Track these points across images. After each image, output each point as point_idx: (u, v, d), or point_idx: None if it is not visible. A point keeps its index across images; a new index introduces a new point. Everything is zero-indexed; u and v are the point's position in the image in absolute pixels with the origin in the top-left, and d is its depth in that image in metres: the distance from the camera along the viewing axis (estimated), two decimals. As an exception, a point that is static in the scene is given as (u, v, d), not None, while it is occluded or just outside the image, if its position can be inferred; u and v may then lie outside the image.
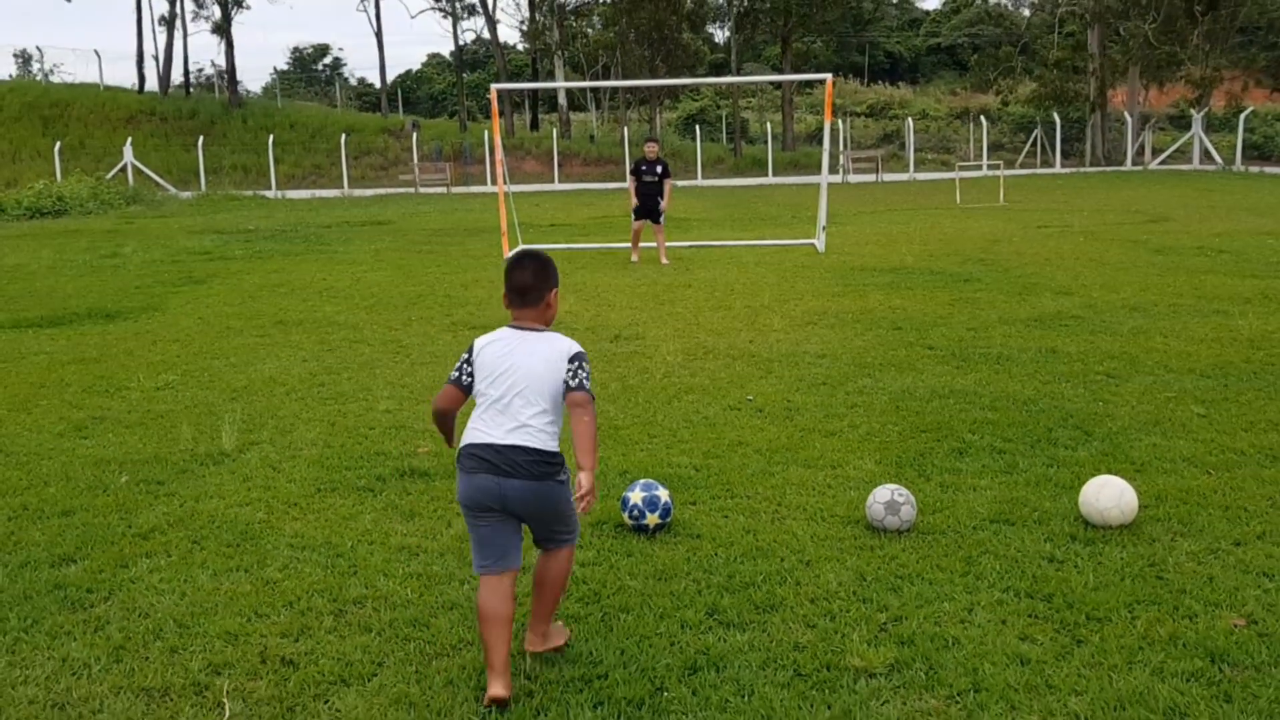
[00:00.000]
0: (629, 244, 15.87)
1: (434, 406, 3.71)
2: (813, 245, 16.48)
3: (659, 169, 15.06)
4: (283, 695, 3.47)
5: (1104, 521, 4.68)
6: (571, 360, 3.45)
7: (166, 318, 11.07)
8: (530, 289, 3.54)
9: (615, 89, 51.39)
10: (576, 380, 3.42)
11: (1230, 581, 4.15)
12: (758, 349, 8.81)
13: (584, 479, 3.33)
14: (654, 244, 15.43)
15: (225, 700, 3.43)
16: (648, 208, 15.08)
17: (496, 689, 3.32)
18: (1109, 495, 4.68)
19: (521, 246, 3.96)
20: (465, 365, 3.58)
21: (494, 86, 16.66)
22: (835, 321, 9.98)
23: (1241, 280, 11.88)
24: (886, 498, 4.74)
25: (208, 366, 8.56)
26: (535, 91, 53.16)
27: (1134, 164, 43.59)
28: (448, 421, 3.74)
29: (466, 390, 3.57)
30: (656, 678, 3.52)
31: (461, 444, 3.53)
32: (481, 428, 3.46)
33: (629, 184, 15.52)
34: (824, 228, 16.32)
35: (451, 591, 4.22)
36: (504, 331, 3.57)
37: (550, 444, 3.42)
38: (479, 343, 3.59)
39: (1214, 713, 3.25)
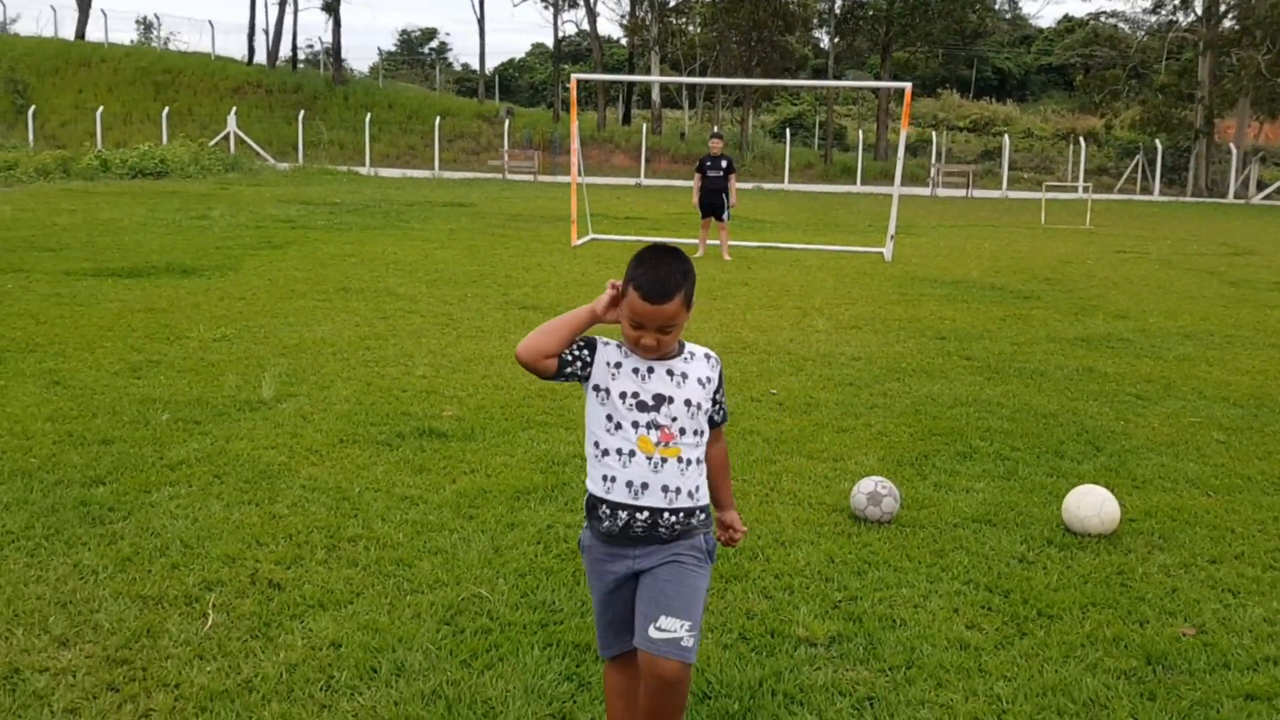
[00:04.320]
0: (696, 240, 16.06)
1: None
2: (880, 253, 16.48)
3: (724, 164, 15.22)
4: (264, 613, 3.76)
5: (1083, 529, 4.76)
6: None
7: (238, 277, 11.58)
8: None
9: (708, 88, 51.55)
10: None
11: (1193, 595, 4.22)
12: (796, 348, 8.94)
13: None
14: (718, 241, 15.60)
15: (210, 612, 3.74)
16: (712, 204, 15.25)
17: None
18: (1090, 504, 4.76)
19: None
20: None
21: (574, 76, 17.00)
22: (880, 327, 10.06)
23: (1310, 317, 11.63)
24: (870, 489, 4.88)
25: (265, 324, 8.99)
26: (630, 86, 53.53)
27: (1236, 197, 42.40)
28: None
29: None
30: (610, 630, 3.73)
31: None
32: None
33: (694, 181, 15.70)
34: (892, 236, 16.31)
35: (440, 539, 4.48)
36: None
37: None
38: None
39: (1132, 708, 3.35)
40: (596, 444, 2.69)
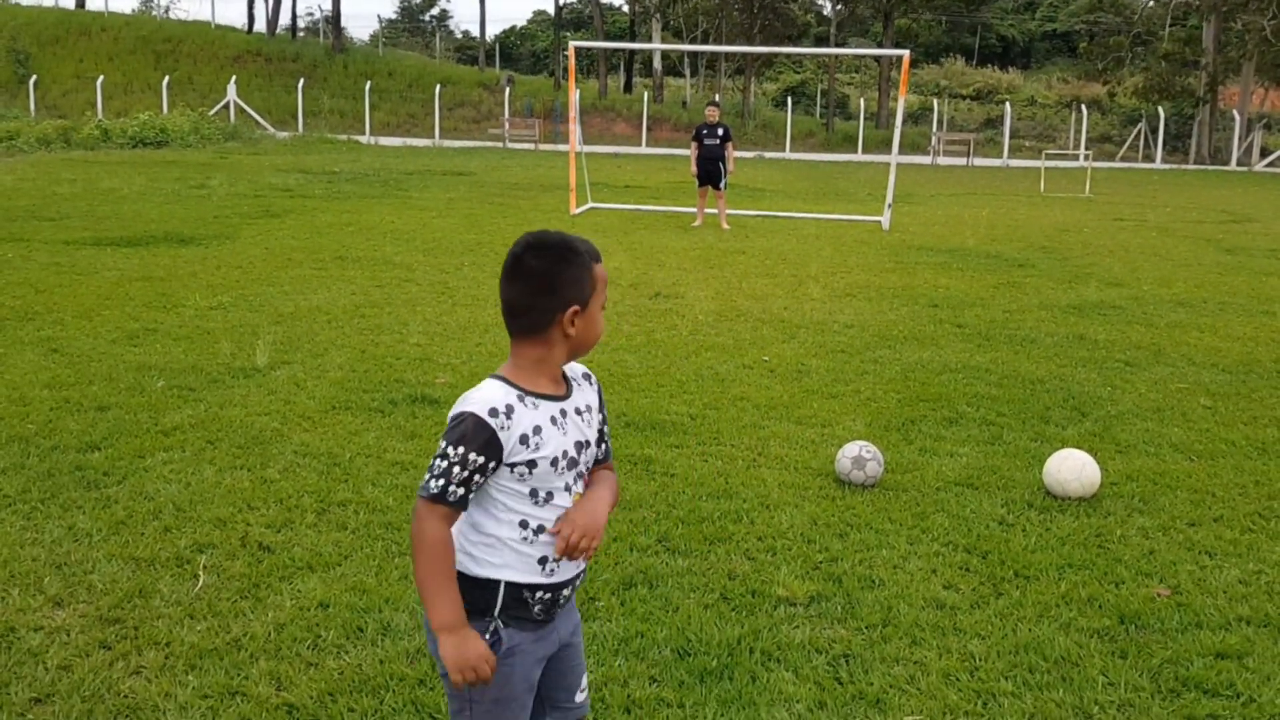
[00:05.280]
0: (694, 208, 16.06)
1: None
2: (878, 222, 16.47)
3: (720, 132, 15.19)
4: (254, 574, 3.84)
5: (1064, 493, 4.82)
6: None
7: (236, 246, 11.62)
8: (522, 309, 2.16)
9: (710, 56, 51.27)
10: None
11: (1170, 556, 4.28)
12: (790, 315, 8.99)
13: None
14: (716, 210, 15.60)
15: (201, 573, 3.81)
16: (709, 172, 15.23)
17: None
18: (1070, 467, 4.82)
19: (538, 232, 2.15)
20: None
21: (572, 44, 16.94)
22: (874, 295, 10.09)
23: (1305, 284, 11.65)
24: (854, 453, 4.95)
25: (261, 292, 9.04)
26: (631, 54, 53.25)
27: (1239, 164, 42.22)
28: None
29: None
30: (593, 591, 3.81)
31: None
32: None
33: (691, 149, 15.67)
34: (890, 205, 16.31)
35: (429, 503, 4.54)
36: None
37: (464, 563, 2.15)
38: None
39: (1103, 666, 3.42)
40: (524, 524, 2.13)
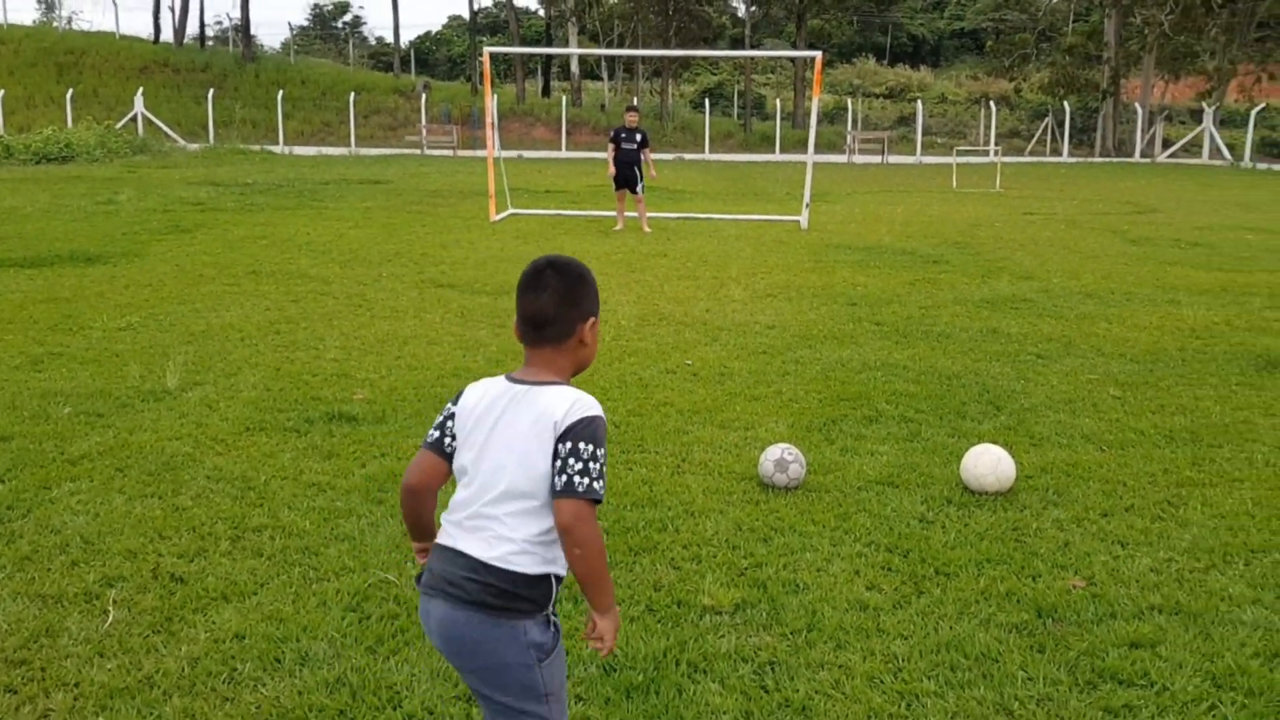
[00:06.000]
0: (614, 213, 16.06)
1: (403, 484, 2.43)
2: (797, 222, 16.64)
3: (638, 137, 15.23)
4: (166, 607, 3.73)
5: (980, 488, 4.90)
6: (566, 437, 2.21)
7: (145, 263, 11.32)
8: (549, 319, 2.33)
9: (627, 59, 51.36)
10: (565, 478, 2.18)
11: (1085, 548, 4.38)
12: (711, 318, 9.02)
13: (597, 620, 2.32)
14: (636, 213, 15.61)
15: (111, 608, 3.69)
16: (627, 177, 15.25)
17: None
18: (986, 463, 4.90)
19: (550, 255, 2.42)
20: (447, 421, 2.39)
21: (486, 50, 16.83)
22: (795, 295, 10.18)
23: (1207, 273, 12.02)
24: (776, 456, 4.97)
25: (172, 311, 8.81)
26: (549, 58, 53.13)
27: (1143, 156, 43.50)
28: (420, 508, 2.43)
29: (449, 457, 2.37)
30: (517, 608, 3.76)
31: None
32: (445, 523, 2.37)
33: (609, 152, 15.67)
34: (808, 204, 16.48)
35: (347, 525, 4.46)
36: (495, 382, 2.37)
37: (527, 563, 2.24)
38: (468, 391, 2.39)
39: (1022, 661, 3.48)
40: None
